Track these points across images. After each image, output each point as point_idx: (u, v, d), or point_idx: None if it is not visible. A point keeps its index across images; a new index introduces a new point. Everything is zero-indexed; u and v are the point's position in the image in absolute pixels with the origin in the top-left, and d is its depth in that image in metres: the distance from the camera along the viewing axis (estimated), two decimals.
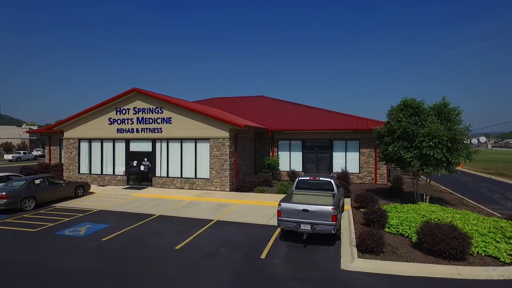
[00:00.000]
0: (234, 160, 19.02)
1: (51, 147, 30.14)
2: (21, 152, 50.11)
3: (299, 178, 12.15)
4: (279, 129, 22.70)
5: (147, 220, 12.76)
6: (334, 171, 22.71)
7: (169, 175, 19.71)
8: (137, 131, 20.13)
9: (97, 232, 11.18)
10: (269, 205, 15.23)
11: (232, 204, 15.43)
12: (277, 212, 10.02)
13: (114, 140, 20.93)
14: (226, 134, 18.41)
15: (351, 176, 21.36)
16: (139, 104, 20.06)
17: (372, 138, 21.74)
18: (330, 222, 9.44)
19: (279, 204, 10.00)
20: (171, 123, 19.41)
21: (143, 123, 19.99)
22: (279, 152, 23.86)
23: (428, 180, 14.93)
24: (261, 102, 34.04)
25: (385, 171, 21.81)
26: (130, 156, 20.56)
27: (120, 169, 20.80)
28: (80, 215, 13.53)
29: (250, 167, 22.45)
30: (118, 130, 20.54)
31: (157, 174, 19.97)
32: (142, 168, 20.23)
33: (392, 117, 15.23)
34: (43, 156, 58.57)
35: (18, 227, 11.76)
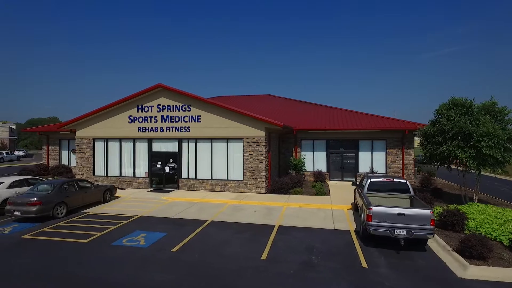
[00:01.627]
0: (268, 161, 18.16)
1: (49, 147, 27.98)
2: (4, 152, 46.54)
3: (371, 180, 11.53)
4: (304, 128, 22.02)
5: (202, 226, 11.69)
6: (360, 171, 22.37)
7: (198, 177, 18.55)
8: (162, 130, 18.82)
9: (159, 241, 10.02)
10: (321, 207, 14.55)
11: (279, 207, 14.59)
12: (367, 217, 9.33)
13: (134, 140, 19.48)
14: (261, 133, 17.52)
15: None
16: (164, 101, 18.75)
17: (399, 138, 21.62)
18: (429, 227, 8.86)
19: (370, 208, 9.31)
20: (200, 121, 18.26)
21: (168, 122, 18.70)
22: (302, 152, 23.21)
23: (478, 181, 14.77)
24: (269, 100, 33.31)
25: (412, 171, 21.69)
26: (153, 156, 19.20)
27: (142, 170, 19.39)
28: (124, 222, 12.24)
29: (275, 168, 21.64)
30: (140, 129, 19.13)
31: (184, 175, 18.75)
32: (167, 169, 18.94)
33: (441, 116, 14.95)
34: (26, 156, 54.98)
35: (62, 237, 10.38)
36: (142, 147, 19.38)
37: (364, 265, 8.33)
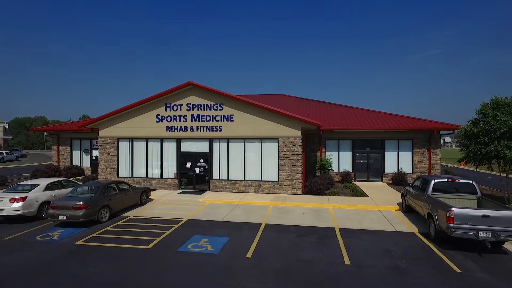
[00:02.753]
0: (303, 161, 17.77)
1: (60, 147, 26.92)
2: (4, 152, 44.74)
3: (436, 181, 11.25)
4: (331, 128, 21.69)
5: (261, 230, 11.20)
6: (386, 171, 22.21)
7: (230, 178, 18.00)
8: (192, 129, 18.20)
9: (226, 247, 9.49)
10: (368, 209, 14.26)
11: (325, 209, 14.23)
12: (448, 219, 9.02)
13: (162, 139, 18.80)
14: (298, 133, 17.12)
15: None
16: (194, 99, 18.14)
17: (426, 137, 21.55)
18: None
19: (451, 210, 9.01)
20: (232, 120, 17.73)
21: (198, 121, 18.10)
22: (326, 152, 22.90)
23: None
24: (282, 100, 32.87)
25: (439, 171, 21.64)
26: (182, 157, 18.56)
27: (170, 171, 18.71)
28: (175, 226, 11.65)
29: None
30: (168, 128, 18.46)
31: (215, 176, 18.17)
32: (197, 170, 18.33)
33: (483, 116, 14.86)
34: (21, 156, 53.17)
35: (120, 243, 9.74)
36: (170, 147, 18.71)
37: (456, 269, 8.02)
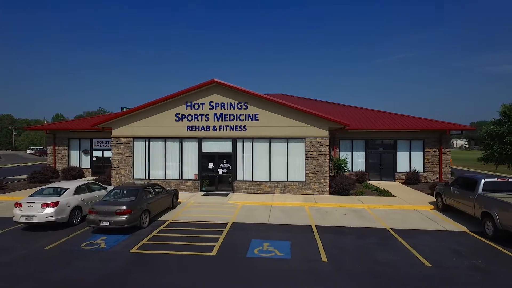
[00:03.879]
0: (329, 161, 17.64)
1: (56, 148, 25.28)
2: None
3: (486, 180, 11.42)
4: (354, 128, 21.64)
5: (316, 232, 10.90)
6: (398, 171, 22.60)
7: (254, 179, 17.56)
8: (214, 128, 17.58)
9: (294, 251, 9.12)
10: (404, 208, 14.35)
11: (363, 209, 14.17)
12: None
13: (182, 139, 18.03)
14: (325, 133, 16.99)
15: None
16: (217, 98, 17.54)
17: (436, 138, 22.13)
18: None
19: None
20: (257, 120, 17.30)
21: (222, 120, 17.52)
22: (340, 153, 22.97)
23: None
24: (284, 99, 32.70)
25: (449, 170, 22.30)
26: (204, 157, 17.89)
27: (191, 172, 17.98)
28: (224, 229, 11.11)
29: None
30: (189, 128, 17.73)
31: (238, 178, 17.66)
32: (220, 171, 17.73)
33: (509, 117, 15.42)
34: None
35: (179, 250, 9.11)
36: (190, 147, 17.98)
37: None
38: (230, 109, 17.45)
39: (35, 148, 71.96)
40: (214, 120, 17.55)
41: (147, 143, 18.25)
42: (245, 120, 17.36)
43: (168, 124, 17.84)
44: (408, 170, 22.38)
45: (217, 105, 17.52)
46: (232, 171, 17.64)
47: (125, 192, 11.64)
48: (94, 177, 21.80)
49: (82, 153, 25.42)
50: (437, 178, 22.25)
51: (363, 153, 22.99)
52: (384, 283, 7.22)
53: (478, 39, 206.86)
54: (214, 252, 9.01)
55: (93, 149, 25.31)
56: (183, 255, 8.83)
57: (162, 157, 18.15)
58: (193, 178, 17.91)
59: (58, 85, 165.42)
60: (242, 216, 12.93)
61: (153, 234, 10.65)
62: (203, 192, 17.45)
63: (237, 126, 17.42)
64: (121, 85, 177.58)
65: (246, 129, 17.36)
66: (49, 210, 10.74)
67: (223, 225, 11.69)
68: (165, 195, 13.28)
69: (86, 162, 25.31)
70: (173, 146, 18.11)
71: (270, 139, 17.44)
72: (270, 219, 12.57)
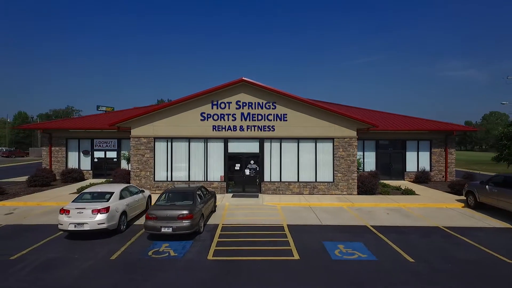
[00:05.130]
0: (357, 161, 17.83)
1: (52, 148, 23.53)
2: None
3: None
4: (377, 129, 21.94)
5: (377, 232, 10.93)
6: (407, 170, 23.39)
7: (282, 180, 17.36)
8: (241, 128, 17.17)
9: (374, 252, 9.07)
10: (437, 206, 14.88)
11: (401, 208, 14.47)
12: None
13: (206, 139, 17.42)
14: (353, 133, 17.17)
15: None
16: (244, 97, 17.15)
17: (442, 138, 23.17)
18: None
19: None
20: (286, 120, 17.13)
21: (249, 120, 17.15)
22: None
23: None
24: None
25: (454, 169, 23.42)
26: (230, 158, 17.40)
27: (216, 174, 17.42)
28: (285, 232, 10.84)
29: None
30: (215, 128, 17.17)
31: (266, 178, 17.37)
32: (247, 172, 17.34)
33: None
34: None
35: (258, 256, 8.73)
36: (216, 147, 17.42)
37: None
38: (257, 108, 17.12)
39: None
40: (242, 120, 17.13)
41: (169, 143, 17.44)
42: (274, 120, 17.12)
43: (192, 124, 17.15)
44: (415, 170, 23.23)
45: (244, 104, 17.12)
46: (260, 172, 17.32)
47: (179, 195, 10.99)
48: (104, 180, 20.50)
49: (82, 154, 23.80)
50: (443, 176, 23.30)
51: (374, 153, 23.53)
52: (488, 282, 7.35)
53: (436, 46, 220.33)
54: (297, 256, 8.74)
55: (94, 150, 23.78)
56: (267, 260, 8.47)
57: (186, 158, 17.43)
58: (219, 180, 17.37)
59: (19, 81, 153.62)
60: (291, 218, 12.69)
61: (216, 239, 10.13)
62: (231, 194, 16.98)
63: (265, 126, 17.13)
64: (88, 83, 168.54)
65: (274, 129, 17.12)
66: (101, 217, 9.88)
67: (280, 228, 11.41)
68: (210, 197, 12.73)
69: (86, 164, 23.74)
70: (198, 147, 17.45)
71: (298, 139, 17.32)
72: (321, 220, 12.45)
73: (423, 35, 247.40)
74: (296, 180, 17.33)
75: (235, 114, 17.13)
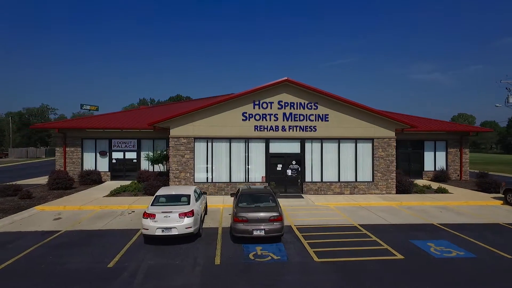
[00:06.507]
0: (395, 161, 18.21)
1: (66, 149, 22.34)
2: None
3: None
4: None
5: (451, 230, 11.24)
6: (425, 169, 24.21)
7: (324, 180, 17.43)
8: (283, 129, 17.07)
9: (471, 249, 9.32)
10: (479, 204, 15.56)
11: (447, 206, 14.97)
12: None
13: (247, 140, 17.17)
14: (392, 133, 17.57)
15: None
16: (286, 97, 17.07)
17: (457, 139, 24.18)
18: None
19: None
20: (327, 120, 17.23)
21: (291, 120, 17.09)
22: None
23: None
24: None
25: (468, 168, 24.52)
26: (272, 159, 17.25)
27: (258, 175, 17.22)
28: (363, 232, 10.89)
29: None
30: (256, 128, 16.96)
31: (307, 179, 17.38)
32: (289, 172, 17.27)
33: None
34: None
35: (358, 257, 8.73)
36: (257, 148, 17.21)
37: None
38: (299, 109, 17.10)
39: None
40: (283, 120, 17.04)
41: (209, 143, 17.03)
42: (315, 120, 17.16)
43: (233, 124, 16.85)
44: (433, 169, 24.10)
45: (286, 104, 17.04)
46: (301, 172, 17.30)
47: (258, 197, 10.75)
48: (131, 182, 19.62)
49: (99, 155, 22.71)
50: (458, 175, 24.32)
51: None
52: None
53: (410, 49, 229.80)
54: (399, 256, 8.81)
55: (112, 150, 22.76)
56: (373, 261, 8.48)
57: (227, 159, 17.09)
58: (260, 180, 17.17)
59: None
60: (355, 218, 12.78)
61: (303, 241, 10.01)
62: None
63: (307, 126, 17.13)
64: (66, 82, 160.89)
65: (316, 129, 17.17)
66: (188, 220, 9.49)
67: (353, 227, 11.48)
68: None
69: (103, 165, 22.67)
70: (239, 147, 17.17)
71: (339, 139, 17.47)
72: (385, 219, 12.62)
73: (393, 39, 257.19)
74: (337, 180, 17.47)
75: (277, 114, 17.01)
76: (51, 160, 52.79)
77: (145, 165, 22.33)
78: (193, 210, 9.76)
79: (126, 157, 22.85)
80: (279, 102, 17.01)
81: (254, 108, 16.93)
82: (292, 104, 17.05)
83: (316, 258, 8.61)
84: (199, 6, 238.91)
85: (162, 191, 11.05)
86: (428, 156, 24.36)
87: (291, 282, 7.27)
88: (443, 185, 19.27)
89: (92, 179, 20.94)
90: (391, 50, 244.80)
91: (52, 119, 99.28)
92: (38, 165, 40.21)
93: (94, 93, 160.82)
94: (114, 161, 22.80)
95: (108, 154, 22.74)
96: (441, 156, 24.44)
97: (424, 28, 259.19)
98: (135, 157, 22.86)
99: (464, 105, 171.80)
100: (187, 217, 9.52)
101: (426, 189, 18.60)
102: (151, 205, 10.02)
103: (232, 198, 15.34)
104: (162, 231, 9.29)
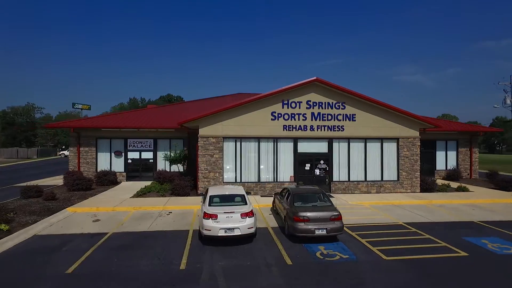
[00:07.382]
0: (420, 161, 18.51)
1: (80, 149, 21.76)
2: None
3: None
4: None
5: (497, 228, 11.52)
6: (437, 168, 24.75)
7: (351, 179, 17.58)
8: (312, 128, 17.13)
9: None
10: (504, 202, 15.93)
11: (477, 204, 15.34)
12: None
13: (276, 139, 17.14)
14: (416, 133, 17.87)
15: None
16: (315, 97, 17.14)
17: (467, 139, 24.84)
18: None
19: None
20: (355, 120, 17.39)
21: (319, 120, 17.16)
22: None
23: None
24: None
25: (477, 167, 25.21)
26: (300, 158, 17.27)
27: (286, 174, 17.21)
28: (413, 229, 11.04)
29: None
30: (285, 127, 16.96)
31: (335, 178, 17.49)
32: (317, 172, 17.33)
33: None
34: None
35: (422, 254, 8.85)
36: (286, 147, 17.20)
37: None
38: (327, 108, 17.19)
39: None
40: (312, 119, 17.09)
41: (238, 143, 16.91)
42: (343, 120, 17.29)
43: (262, 123, 16.79)
44: (444, 168, 24.68)
45: (314, 104, 17.10)
46: (329, 172, 17.39)
47: (312, 196, 10.75)
48: (151, 182, 19.24)
49: (114, 155, 22.19)
50: (468, 174, 24.97)
51: None
52: None
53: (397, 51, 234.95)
54: (463, 253, 8.97)
55: (127, 150, 22.28)
56: (439, 258, 8.61)
57: (255, 158, 17.01)
58: (289, 180, 17.18)
59: None
60: (395, 216, 12.96)
61: (361, 239, 10.07)
62: None
63: (335, 126, 17.24)
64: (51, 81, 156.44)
65: (343, 129, 17.30)
66: (250, 221, 9.40)
67: (400, 226, 11.64)
68: None
69: (119, 165, 22.17)
70: (267, 147, 17.11)
71: (366, 139, 17.65)
72: (426, 217, 12.82)
73: (378, 40, 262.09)
74: (364, 179, 17.65)
75: (305, 114, 17.05)
76: (46, 160, 51.24)
77: (161, 165, 21.95)
78: (252, 210, 9.67)
79: (142, 157, 22.41)
80: (307, 102, 17.05)
81: (283, 107, 16.91)
82: (320, 104, 17.13)
83: (384, 257, 8.67)
84: (191, 5, 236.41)
85: (214, 191, 10.87)
86: (439, 156, 24.92)
87: (376, 280, 7.30)
88: (462, 184, 19.69)
89: (109, 179, 20.44)
90: (374, 51, 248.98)
91: (37, 118, 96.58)
92: (35, 166, 38.92)
93: (82, 93, 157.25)
94: (129, 161, 22.32)
95: (123, 154, 22.24)
96: (452, 155, 25.05)
97: (409, 28, 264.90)
98: (152, 157, 22.44)
99: (447, 107, 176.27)
100: (249, 217, 9.42)
101: (447, 188, 18.99)
102: (209, 206, 9.85)
103: (263, 198, 15.39)
104: (225, 231, 9.15)
